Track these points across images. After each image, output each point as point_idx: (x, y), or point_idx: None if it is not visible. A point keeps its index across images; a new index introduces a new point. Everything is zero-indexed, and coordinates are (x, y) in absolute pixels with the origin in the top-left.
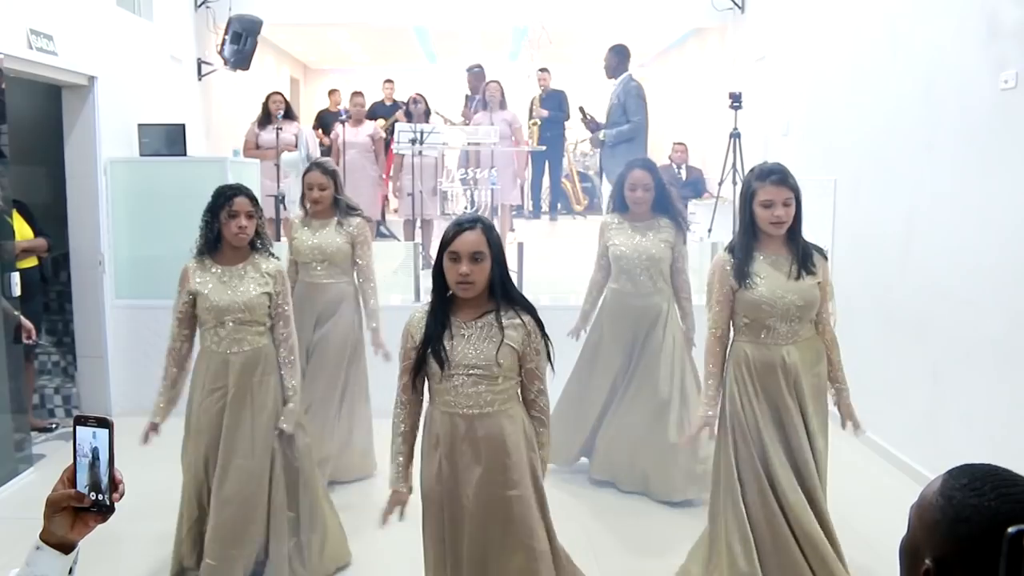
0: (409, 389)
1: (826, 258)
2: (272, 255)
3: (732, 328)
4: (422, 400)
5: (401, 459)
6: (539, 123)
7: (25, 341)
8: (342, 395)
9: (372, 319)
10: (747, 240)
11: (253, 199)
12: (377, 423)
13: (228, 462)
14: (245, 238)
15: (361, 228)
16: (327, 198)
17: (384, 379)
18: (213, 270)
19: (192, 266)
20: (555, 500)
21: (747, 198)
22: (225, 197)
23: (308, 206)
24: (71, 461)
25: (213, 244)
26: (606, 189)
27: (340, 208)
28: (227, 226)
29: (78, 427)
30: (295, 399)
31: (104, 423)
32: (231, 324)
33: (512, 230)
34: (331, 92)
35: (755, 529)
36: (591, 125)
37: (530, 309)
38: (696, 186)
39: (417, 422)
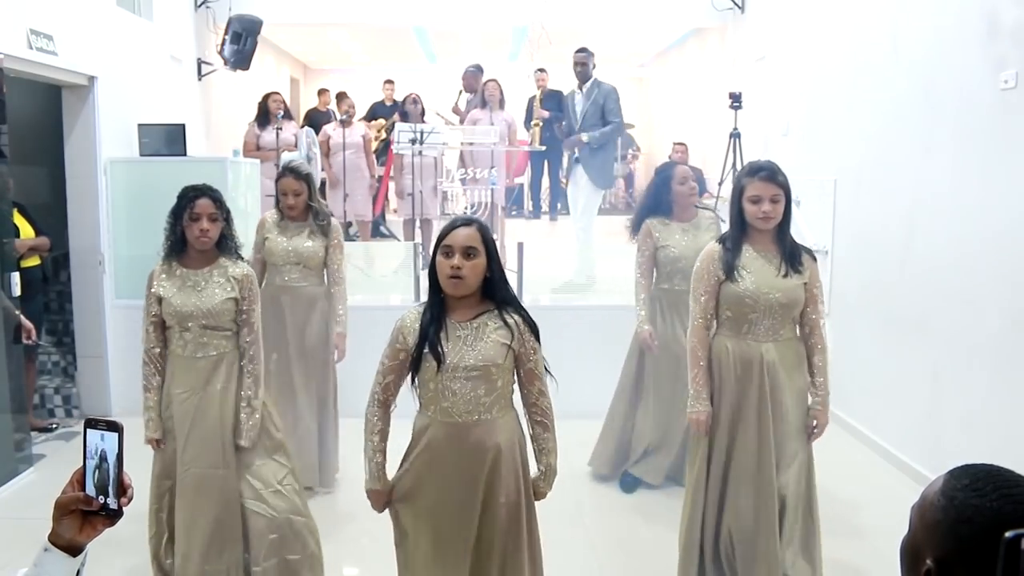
0: (389, 389)
1: (815, 259)
2: (241, 258)
3: (715, 321)
4: (393, 402)
5: (378, 458)
6: (541, 124)
7: (25, 341)
8: (313, 399)
9: (339, 325)
10: (737, 235)
11: (217, 201)
12: (343, 421)
13: (198, 471)
14: (207, 242)
15: (336, 231)
16: (301, 203)
17: (350, 382)
18: (178, 273)
19: (157, 270)
20: (555, 501)
21: (736, 194)
22: (187, 199)
23: (283, 210)
24: (80, 463)
25: (178, 247)
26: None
27: (313, 212)
28: (189, 229)
29: (88, 430)
30: (256, 415)
31: (114, 427)
32: (196, 329)
33: (506, 218)
34: (320, 92)
35: (707, 516)
36: (564, 132)
37: (523, 311)
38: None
39: (390, 420)
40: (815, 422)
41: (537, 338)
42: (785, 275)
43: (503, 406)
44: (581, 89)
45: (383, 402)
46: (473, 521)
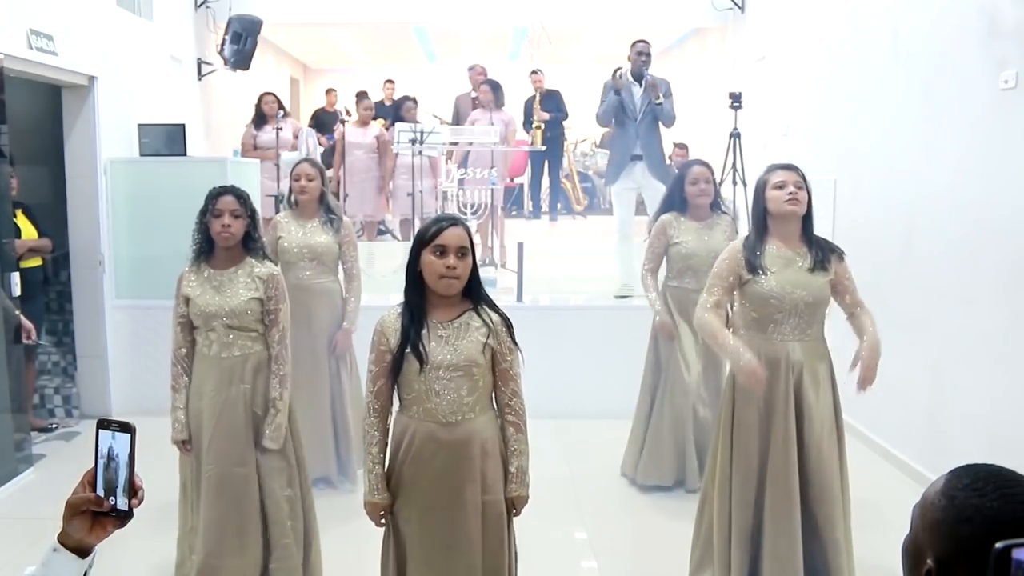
0: (383, 394)
1: (843, 258)
2: (268, 258)
3: (741, 322)
4: (392, 406)
5: (378, 469)
6: (542, 126)
7: (25, 341)
8: (327, 394)
9: (349, 320)
10: (760, 233)
11: (241, 199)
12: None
13: (220, 470)
14: (229, 237)
15: (348, 228)
16: (314, 189)
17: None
18: (205, 274)
19: (187, 272)
20: (555, 501)
21: (760, 190)
22: (211, 197)
23: (295, 199)
24: (89, 464)
25: (206, 247)
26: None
27: (324, 206)
28: (212, 226)
29: (100, 431)
30: (281, 415)
31: (126, 428)
32: (221, 329)
33: (506, 218)
34: (328, 91)
35: (740, 524)
36: (607, 118)
37: (498, 310)
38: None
39: (388, 429)
40: (870, 368)
41: (513, 338)
42: (811, 269)
43: (484, 406)
44: (639, 81)
45: (378, 410)
46: (465, 521)
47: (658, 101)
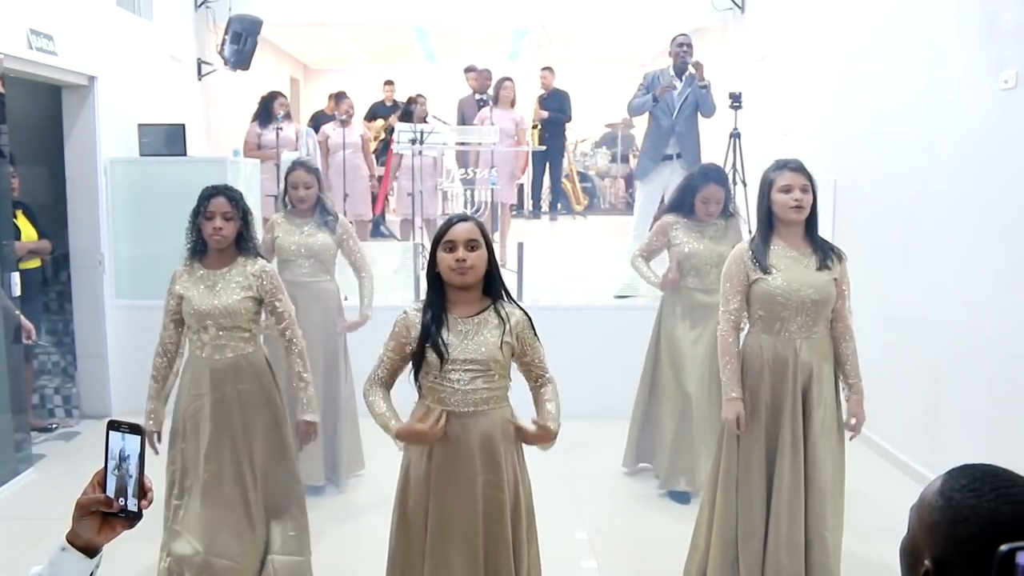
0: (392, 379)
1: (842, 259)
2: (260, 256)
3: (747, 320)
4: (391, 388)
5: (391, 411)
6: (539, 126)
7: (25, 341)
8: (329, 395)
9: (365, 307)
10: (765, 231)
11: (233, 200)
12: (362, 422)
13: (220, 469)
14: (220, 240)
15: (345, 226)
16: (312, 196)
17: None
18: (199, 273)
19: (180, 270)
20: (555, 501)
21: (765, 189)
22: (203, 198)
23: (291, 203)
24: (92, 464)
25: (199, 247)
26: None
27: (321, 207)
28: (204, 227)
29: (110, 432)
30: (311, 388)
31: (136, 429)
32: (213, 330)
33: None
34: (330, 97)
35: (743, 524)
36: (640, 106)
37: (519, 307)
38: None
39: (389, 396)
40: (853, 420)
41: (535, 332)
42: (817, 269)
43: (499, 398)
44: (680, 77)
45: (385, 383)
46: (476, 511)
47: (702, 84)
